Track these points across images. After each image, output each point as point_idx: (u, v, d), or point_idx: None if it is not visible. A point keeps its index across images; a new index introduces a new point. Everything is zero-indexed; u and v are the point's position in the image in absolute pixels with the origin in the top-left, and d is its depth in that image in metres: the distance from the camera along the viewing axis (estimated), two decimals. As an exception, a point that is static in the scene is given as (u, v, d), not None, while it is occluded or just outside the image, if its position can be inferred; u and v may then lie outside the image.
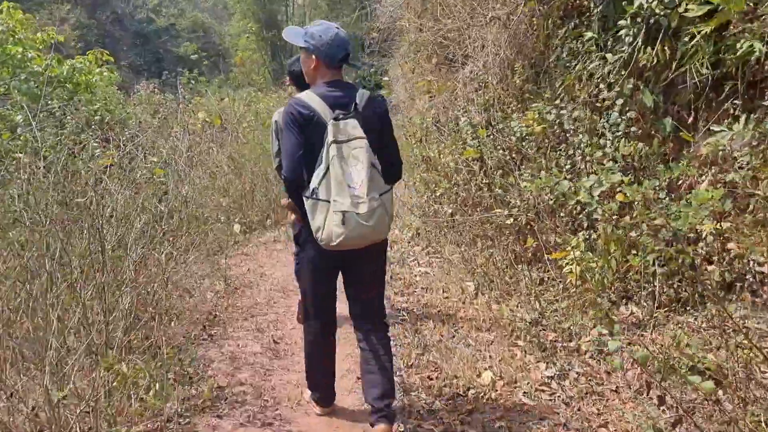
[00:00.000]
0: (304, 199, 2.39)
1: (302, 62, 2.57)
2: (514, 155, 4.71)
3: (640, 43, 3.81)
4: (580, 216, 3.96)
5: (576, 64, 4.51)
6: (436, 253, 5.63)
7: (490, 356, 3.43)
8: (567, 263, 3.72)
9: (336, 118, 2.31)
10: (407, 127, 10.73)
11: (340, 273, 2.66)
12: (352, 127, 2.31)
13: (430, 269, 5.25)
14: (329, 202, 2.30)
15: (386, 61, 22.72)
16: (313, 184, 2.34)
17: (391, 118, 2.60)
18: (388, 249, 3.55)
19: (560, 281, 3.97)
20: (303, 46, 2.47)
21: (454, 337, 3.75)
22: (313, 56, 2.45)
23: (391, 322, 3.84)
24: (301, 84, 3.11)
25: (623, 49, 3.98)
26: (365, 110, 2.39)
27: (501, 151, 4.82)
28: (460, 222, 4.91)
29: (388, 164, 2.47)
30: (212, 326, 4.12)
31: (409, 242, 6.22)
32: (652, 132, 3.87)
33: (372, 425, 2.56)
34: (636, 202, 3.56)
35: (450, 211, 5.23)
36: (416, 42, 7.29)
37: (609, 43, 4.11)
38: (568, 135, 4.28)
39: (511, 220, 4.12)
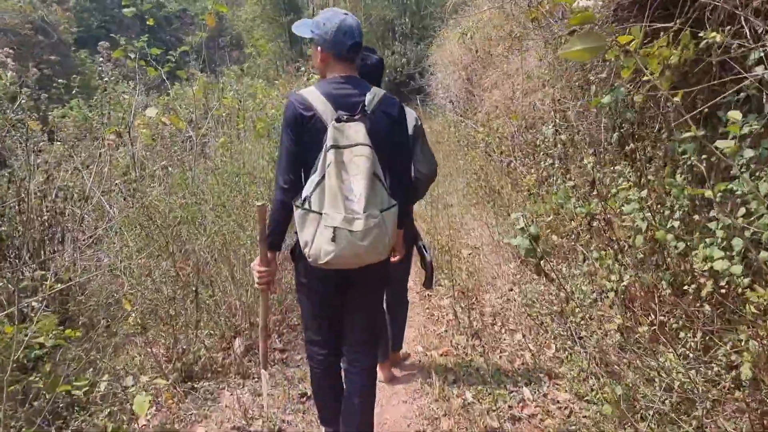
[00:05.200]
0: (294, 208, 2.06)
1: (312, 56, 2.20)
2: None
3: None
4: None
5: None
6: None
7: None
8: None
9: (338, 120, 1.97)
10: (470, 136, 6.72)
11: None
12: (356, 131, 1.97)
13: None
14: (321, 214, 1.98)
15: (424, 48, 18.43)
16: (306, 192, 2.03)
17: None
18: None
19: None
20: (309, 36, 2.13)
21: None
22: (319, 48, 2.12)
23: None
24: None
25: None
26: (375, 113, 2.06)
27: None
28: None
29: (395, 181, 2.15)
30: None
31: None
32: None
33: None
34: None
35: None
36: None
37: None
38: None
39: None
